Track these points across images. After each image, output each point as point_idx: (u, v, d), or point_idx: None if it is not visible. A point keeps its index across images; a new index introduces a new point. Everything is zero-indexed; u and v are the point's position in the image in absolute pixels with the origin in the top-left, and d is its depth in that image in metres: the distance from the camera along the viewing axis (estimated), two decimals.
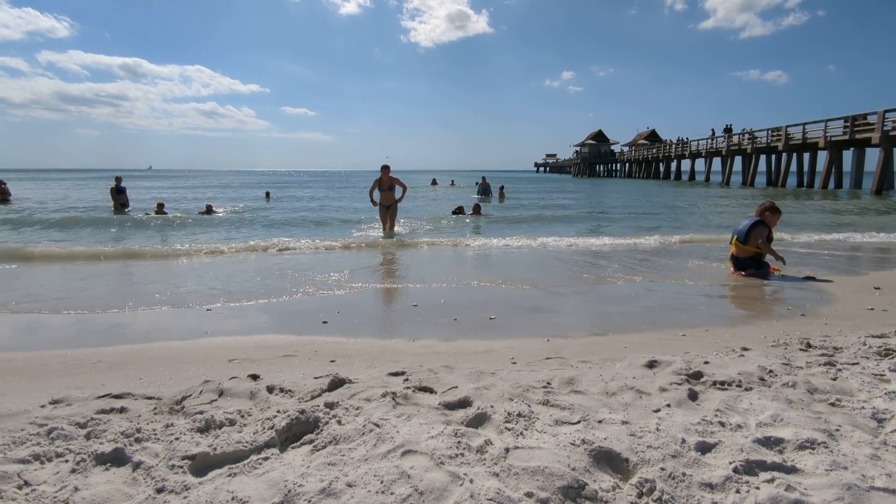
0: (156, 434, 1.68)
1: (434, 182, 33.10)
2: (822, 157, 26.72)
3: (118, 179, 14.83)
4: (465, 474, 1.42)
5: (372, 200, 9.33)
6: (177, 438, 1.63)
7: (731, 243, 5.55)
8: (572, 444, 1.57)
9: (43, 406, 2.00)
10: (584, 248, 7.52)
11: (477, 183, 22.03)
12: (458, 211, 13.46)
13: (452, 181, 31.56)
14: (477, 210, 13.44)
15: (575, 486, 1.37)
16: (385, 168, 9.32)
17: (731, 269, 5.45)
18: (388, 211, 9.44)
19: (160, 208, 13.27)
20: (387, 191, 9.38)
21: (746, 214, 5.76)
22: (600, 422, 1.76)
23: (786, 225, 9.68)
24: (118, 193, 14.55)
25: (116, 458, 1.54)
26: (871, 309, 3.77)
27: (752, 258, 5.31)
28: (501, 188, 21.80)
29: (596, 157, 72.58)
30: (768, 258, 5.35)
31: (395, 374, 2.35)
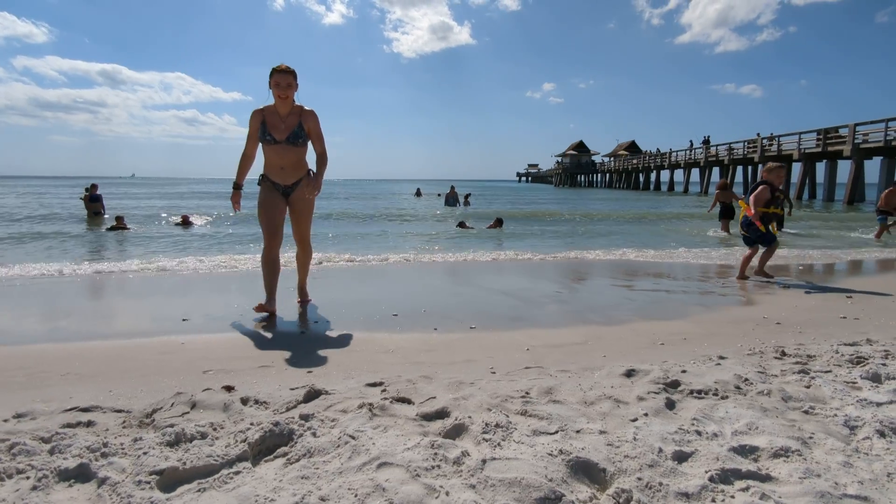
0: (123, 448, 1.63)
1: (418, 192, 33.01)
2: (797, 168, 27.45)
3: (93, 187, 14.41)
4: (441, 487, 1.40)
5: (235, 184, 3.88)
6: (145, 453, 1.58)
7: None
8: (550, 454, 1.56)
9: (6, 420, 1.93)
10: (568, 259, 7.57)
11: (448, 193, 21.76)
12: (462, 226, 12.47)
13: (439, 194, 31.39)
14: (498, 224, 12.38)
15: (552, 497, 1.36)
16: (284, 76, 3.65)
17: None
18: (292, 204, 3.94)
19: (119, 222, 11.36)
20: (285, 144, 3.75)
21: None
22: (578, 431, 1.75)
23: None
24: (92, 201, 14.18)
25: (81, 474, 1.49)
26: (844, 317, 3.84)
27: (756, 230, 5.47)
28: (467, 196, 21.89)
29: (577, 168, 73.59)
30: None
31: (373, 385, 2.32)
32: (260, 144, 3.82)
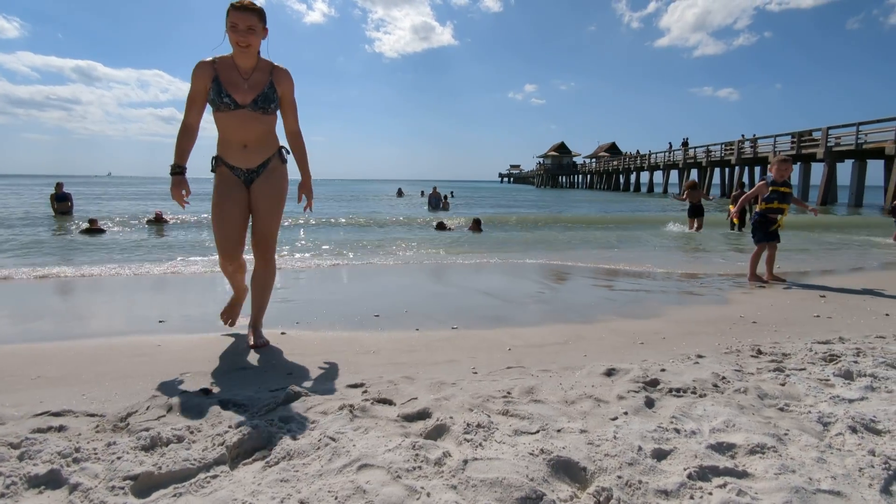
0: (96, 453, 1.59)
1: (400, 192, 32.96)
2: None
3: (59, 186, 14.13)
4: (423, 488, 1.40)
5: (175, 166, 2.72)
6: (119, 458, 1.55)
7: None
8: (531, 454, 1.56)
9: None
10: (548, 261, 7.62)
11: (430, 192, 21.69)
12: (441, 226, 12.44)
13: (423, 192, 31.37)
14: (476, 226, 12.07)
15: (533, 496, 1.36)
16: (243, 15, 2.56)
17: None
18: (255, 196, 2.89)
19: (93, 224, 11.05)
20: (250, 110, 2.71)
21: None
22: (559, 431, 1.76)
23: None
24: (59, 200, 13.91)
25: (52, 480, 1.45)
26: (817, 316, 3.93)
27: (754, 223, 5.62)
28: (446, 196, 21.94)
29: (558, 169, 74.22)
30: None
31: (354, 386, 2.31)
32: (209, 112, 2.78)
